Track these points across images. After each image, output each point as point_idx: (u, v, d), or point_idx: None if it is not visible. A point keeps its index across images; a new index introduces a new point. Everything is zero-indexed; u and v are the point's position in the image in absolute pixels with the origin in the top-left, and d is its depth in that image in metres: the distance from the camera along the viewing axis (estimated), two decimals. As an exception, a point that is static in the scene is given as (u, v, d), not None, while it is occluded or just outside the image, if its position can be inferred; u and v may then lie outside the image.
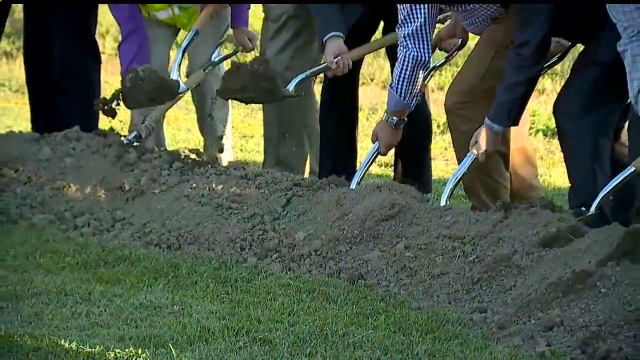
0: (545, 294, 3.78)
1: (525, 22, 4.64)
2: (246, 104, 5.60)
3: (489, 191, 4.81)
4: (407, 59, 4.83)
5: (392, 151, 5.38)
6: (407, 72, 4.83)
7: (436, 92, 7.14)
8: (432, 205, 4.67)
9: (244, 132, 6.16)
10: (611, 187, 4.31)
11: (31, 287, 3.95)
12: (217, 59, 5.67)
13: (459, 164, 4.84)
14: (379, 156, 5.22)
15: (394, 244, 4.26)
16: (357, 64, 5.26)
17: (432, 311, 3.83)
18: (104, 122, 5.88)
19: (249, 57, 5.52)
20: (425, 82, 5.12)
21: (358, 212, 4.45)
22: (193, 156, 5.16)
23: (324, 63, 5.07)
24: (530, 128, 7.21)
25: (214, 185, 4.84)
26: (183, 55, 5.52)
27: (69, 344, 3.23)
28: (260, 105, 5.90)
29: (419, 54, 4.80)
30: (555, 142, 6.28)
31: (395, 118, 4.89)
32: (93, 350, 3.18)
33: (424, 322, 3.71)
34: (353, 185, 4.84)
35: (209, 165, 5.09)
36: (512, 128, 4.82)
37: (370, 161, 5.06)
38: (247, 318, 3.67)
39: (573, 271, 3.81)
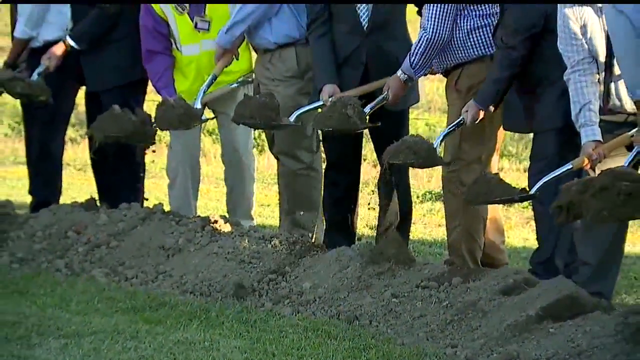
0: (505, 333, 3.77)
1: (516, 29, 4.41)
2: (255, 129, 5.45)
3: (468, 249, 4.70)
4: (422, 39, 4.67)
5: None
6: (421, 49, 4.68)
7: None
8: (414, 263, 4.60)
9: (262, 201, 6.17)
10: (550, 177, 4.12)
11: (90, 327, 3.96)
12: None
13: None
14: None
15: (383, 292, 4.23)
16: (358, 145, 5.14)
17: (413, 346, 3.81)
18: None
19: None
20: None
21: (355, 267, 4.44)
22: (221, 221, 5.07)
23: (320, 101, 4.89)
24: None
25: (237, 245, 4.78)
26: (204, 93, 5.21)
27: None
28: (276, 179, 5.71)
29: (434, 35, 4.65)
30: (512, 210, 6.27)
31: (405, 75, 4.72)
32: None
33: (407, 356, 3.71)
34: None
35: (234, 229, 5.01)
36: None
37: (378, 103, 4.81)
38: (264, 352, 3.68)
39: (527, 315, 3.81)
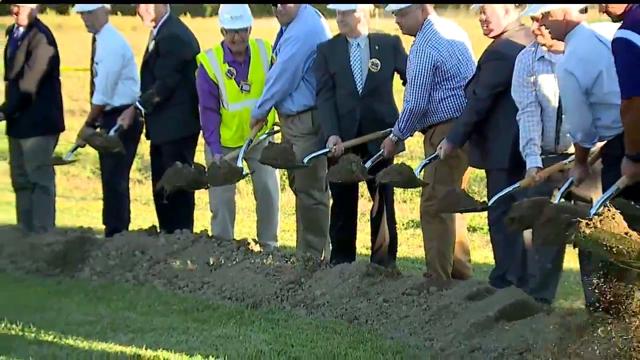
0: (470, 329, 3.84)
1: (486, 84, 4.35)
2: (276, 168, 5.30)
3: (442, 265, 4.63)
4: (405, 110, 4.66)
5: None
6: (406, 117, 4.66)
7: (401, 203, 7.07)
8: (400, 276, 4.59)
9: (284, 228, 6.09)
10: (503, 193, 4.09)
11: (151, 325, 4.04)
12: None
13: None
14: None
15: (376, 298, 4.27)
16: (356, 188, 5.07)
17: (399, 340, 3.87)
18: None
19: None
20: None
21: (355, 279, 4.46)
22: (252, 243, 5.07)
23: (327, 149, 4.85)
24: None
25: (264, 261, 4.80)
26: (244, 153, 5.10)
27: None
28: (294, 211, 5.64)
29: (414, 105, 4.62)
30: (475, 234, 6.15)
31: (396, 137, 4.70)
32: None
33: (395, 347, 3.78)
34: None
35: (262, 249, 5.04)
36: (457, 227, 4.72)
37: (376, 159, 4.78)
38: (285, 344, 3.76)
39: (487, 316, 3.87)
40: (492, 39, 4.27)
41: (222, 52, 5.16)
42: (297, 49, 4.92)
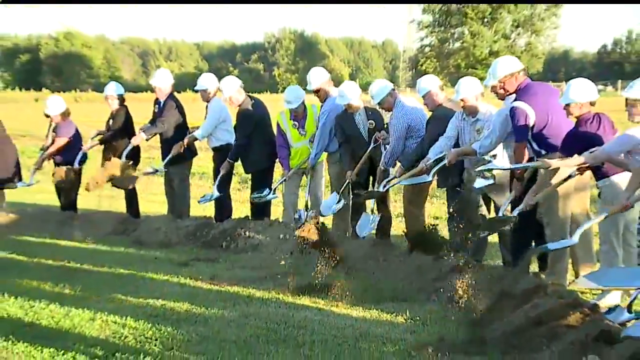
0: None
1: (430, 134, 5.27)
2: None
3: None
4: (388, 151, 5.62)
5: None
6: (388, 155, 5.67)
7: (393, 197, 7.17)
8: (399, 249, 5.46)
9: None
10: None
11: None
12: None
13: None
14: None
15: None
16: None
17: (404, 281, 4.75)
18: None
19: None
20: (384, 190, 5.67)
21: (365, 248, 5.51)
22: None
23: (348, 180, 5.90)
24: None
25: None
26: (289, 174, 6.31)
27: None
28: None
29: (394, 148, 5.57)
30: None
31: (383, 167, 5.67)
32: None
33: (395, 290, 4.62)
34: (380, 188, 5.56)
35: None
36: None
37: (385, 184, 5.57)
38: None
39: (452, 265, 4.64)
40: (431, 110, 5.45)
41: (288, 114, 6.47)
42: (327, 120, 6.14)
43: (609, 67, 53.27)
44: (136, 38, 73.90)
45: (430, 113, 5.58)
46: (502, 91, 4.66)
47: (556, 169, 4.41)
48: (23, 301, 4.24)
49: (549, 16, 39.21)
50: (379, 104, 5.71)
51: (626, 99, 4.27)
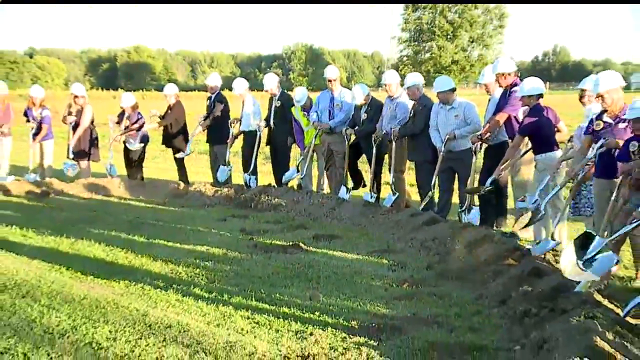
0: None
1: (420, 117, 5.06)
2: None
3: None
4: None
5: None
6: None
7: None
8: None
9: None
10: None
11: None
12: None
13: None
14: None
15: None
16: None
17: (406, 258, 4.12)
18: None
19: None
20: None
21: (359, 207, 5.32)
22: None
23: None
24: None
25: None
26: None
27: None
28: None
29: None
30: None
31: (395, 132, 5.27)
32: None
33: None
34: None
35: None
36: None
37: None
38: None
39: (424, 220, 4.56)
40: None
41: (300, 107, 6.28)
42: (350, 107, 5.94)
43: (540, 73, 53.05)
44: (187, 50, 73.84)
45: (413, 102, 5.41)
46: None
47: (517, 149, 4.32)
48: (105, 246, 4.25)
49: (496, 34, 39.21)
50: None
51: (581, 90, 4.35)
